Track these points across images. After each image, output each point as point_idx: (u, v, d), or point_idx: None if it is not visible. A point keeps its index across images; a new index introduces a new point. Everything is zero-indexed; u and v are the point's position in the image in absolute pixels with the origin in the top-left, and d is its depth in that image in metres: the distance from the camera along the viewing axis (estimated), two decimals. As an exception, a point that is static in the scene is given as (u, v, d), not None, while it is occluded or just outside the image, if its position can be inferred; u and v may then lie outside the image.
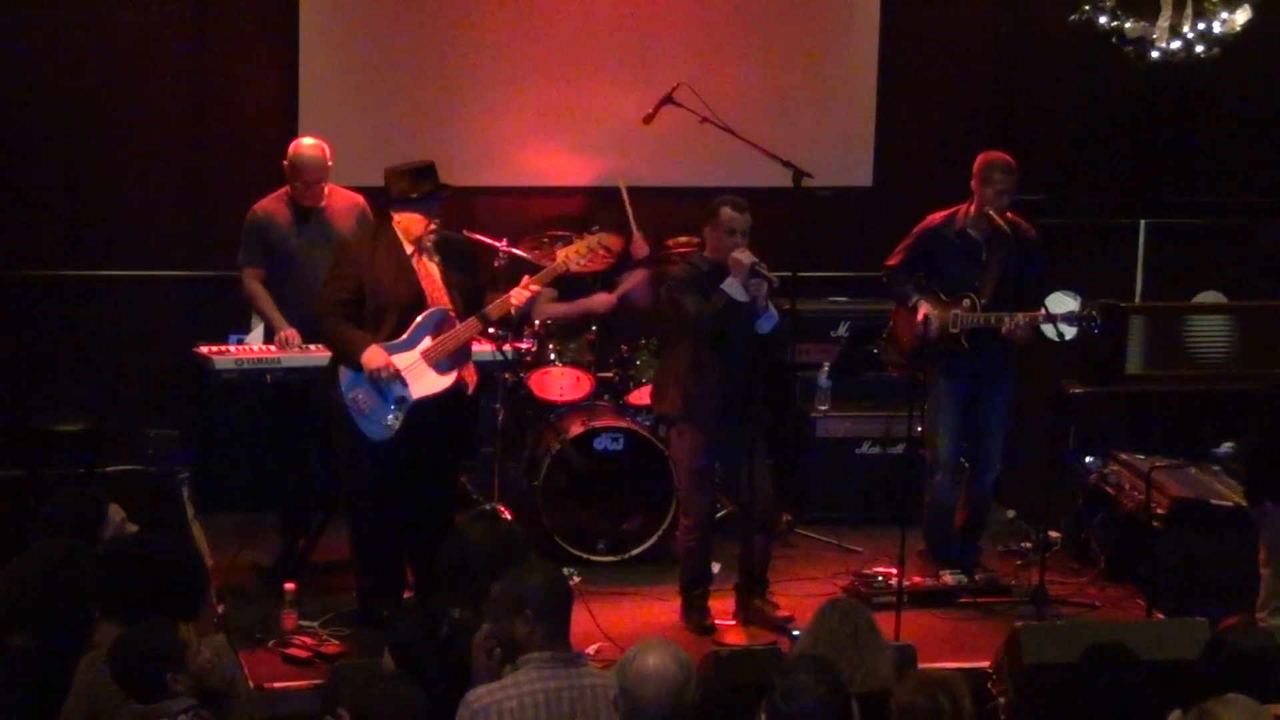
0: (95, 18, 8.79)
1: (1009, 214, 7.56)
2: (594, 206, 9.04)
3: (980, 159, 7.60)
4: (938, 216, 7.67)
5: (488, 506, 8.14)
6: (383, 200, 6.97)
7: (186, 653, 4.72)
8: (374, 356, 6.70)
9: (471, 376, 7.05)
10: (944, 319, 7.48)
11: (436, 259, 6.89)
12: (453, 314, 6.84)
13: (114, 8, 8.82)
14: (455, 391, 6.88)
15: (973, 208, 7.56)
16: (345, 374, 6.80)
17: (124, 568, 5.07)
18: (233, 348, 7.57)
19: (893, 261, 7.70)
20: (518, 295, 6.91)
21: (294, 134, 8.12)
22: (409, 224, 6.84)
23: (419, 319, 6.79)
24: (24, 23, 8.74)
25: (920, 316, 7.50)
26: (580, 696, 4.65)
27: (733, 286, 6.95)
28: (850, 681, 4.85)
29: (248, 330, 8.13)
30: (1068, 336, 7.53)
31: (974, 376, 7.61)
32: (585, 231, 7.61)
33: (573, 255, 7.14)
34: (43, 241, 8.89)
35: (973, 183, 7.56)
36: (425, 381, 6.78)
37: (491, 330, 7.25)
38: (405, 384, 6.75)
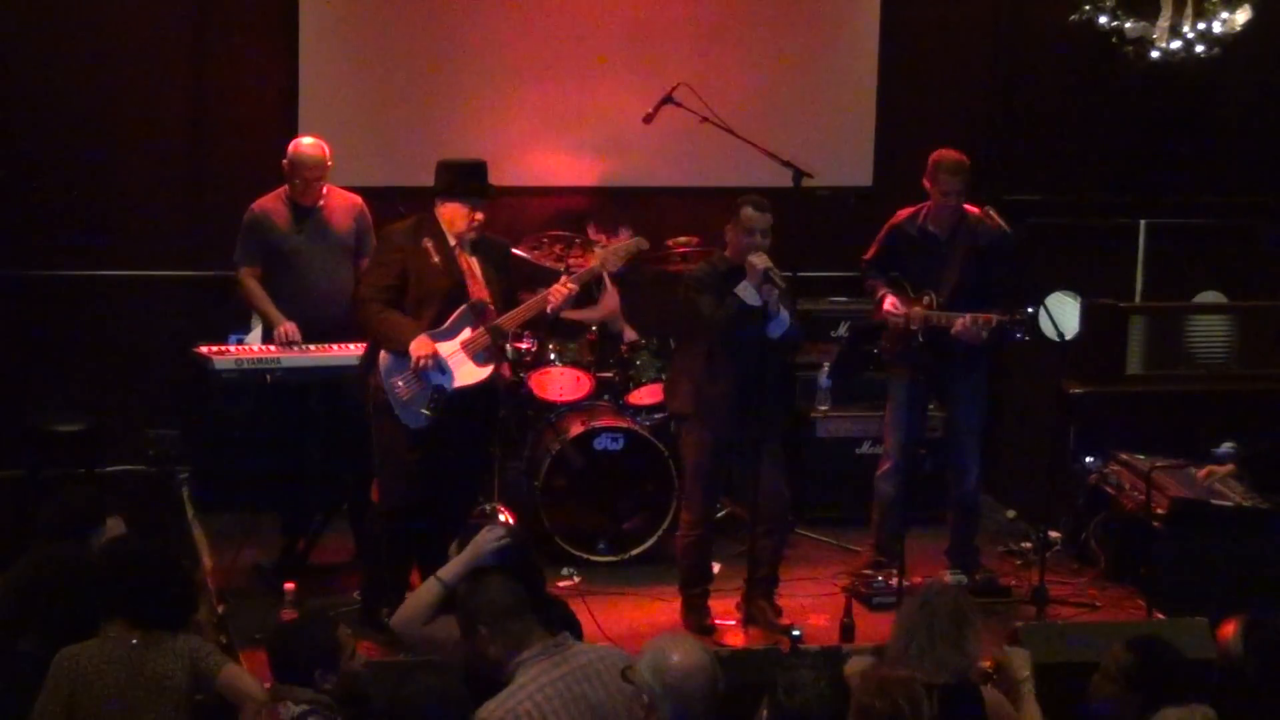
0: (95, 18, 8.78)
1: (976, 208, 7.57)
2: (594, 206, 9.03)
3: (931, 158, 7.62)
4: (905, 212, 7.71)
5: (487, 507, 8.15)
6: (430, 191, 6.96)
7: (341, 654, 4.78)
8: (422, 345, 6.73)
9: (506, 371, 7.11)
10: (907, 315, 7.51)
11: (476, 255, 6.92)
12: (492, 306, 6.87)
13: (114, 8, 8.83)
14: (490, 385, 6.91)
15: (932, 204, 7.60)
16: (385, 360, 6.82)
17: (113, 571, 5.07)
18: (233, 348, 7.57)
19: (867, 255, 7.77)
20: (556, 294, 6.92)
21: (294, 134, 8.12)
22: (453, 216, 6.85)
23: (460, 310, 6.83)
24: (24, 23, 8.74)
25: (887, 307, 7.54)
26: (586, 676, 4.74)
27: (745, 290, 6.95)
28: (944, 665, 4.87)
29: (248, 330, 8.13)
30: (1069, 335, 7.53)
31: (935, 375, 7.60)
32: (622, 233, 7.63)
33: (610, 257, 7.18)
34: (43, 241, 8.89)
35: (924, 180, 7.58)
36: (464, 372, 6.82)
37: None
38: (445, 373, 6.79)
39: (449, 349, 6.81)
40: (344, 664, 4.78)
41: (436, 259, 6.84)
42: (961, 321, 7.34)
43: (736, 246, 7.05)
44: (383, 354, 6.86)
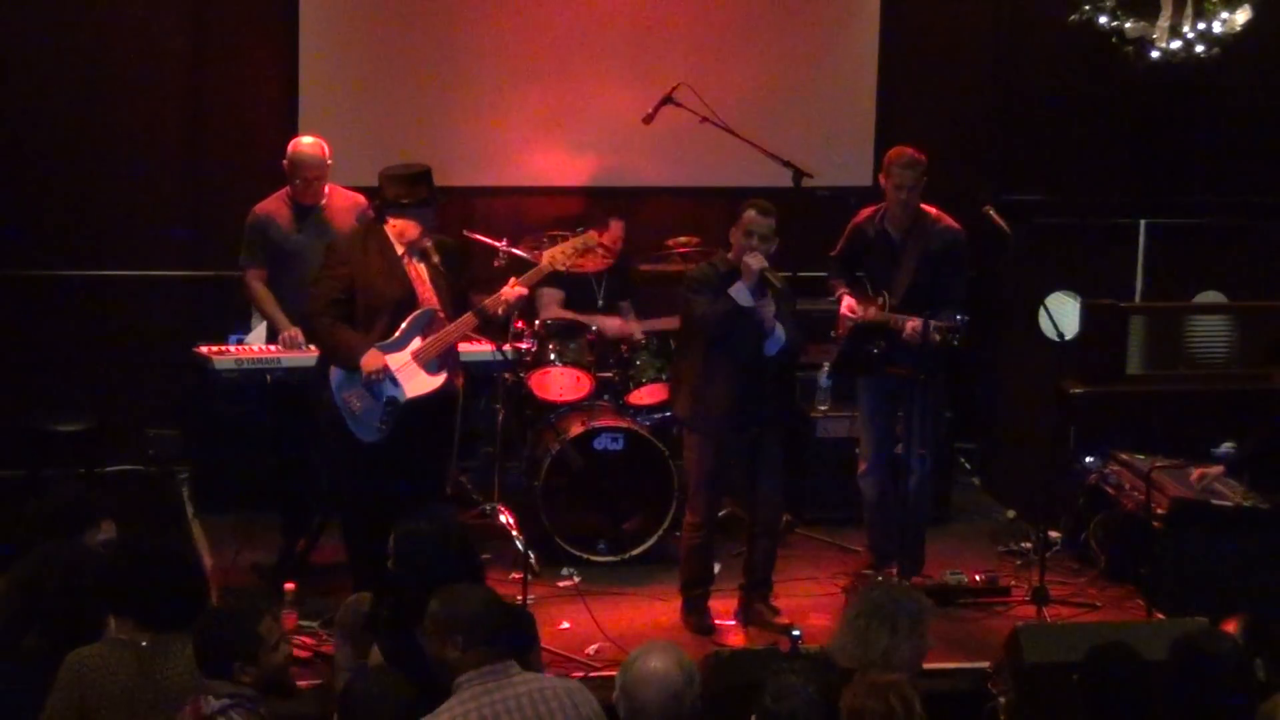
0: (95, 18, 8.79)
1: (933, 209, 7.54)
2: (594, 207, 9.03)
3: (887, 155, 7.60)
4: (866, 211, 7.69)
5: (487, 508, 8.15)
6: (377, 203, 6.91)
7: (261, 649, 4.72)
8: (372, 360, 6.67)
9: (459, 378, 7.04)
10: (865, 316, 7.48)
11: (424, 260, 6.86)
12: (441, 314, 6.82)
13: (114, 8, 8.83)
14: (443, 393, 6.86)
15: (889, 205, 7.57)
16: (336, 375, 6.76)
17: (123, 570, 5.07)
18: (233, 348, 7.57)
19: (834, 252, 7.76)
20: (507, 294, 6.88)
21: (294, 134, 8.12)
22: (403, 228, 6.79)
23: (409, 319, 6.75)
24: (24, 23, 8.74)
25: (844, 310, 7.54)
26: (519, 705, 4.67)
27: (740, 291, 6.95)
28: (869, 664, 4.86)
29: (248, 330, 8.13)
30: (1069, 335, 7.51)
31: (899, 381, 7.53)
32: (572, 231, 7.62)
33: (559, 255, 7.08)
34: (43, 241, 8.89)
35: (880, 177, 7.57)
36: (416, 382, 6.75)
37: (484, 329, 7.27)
38: (397, 385, 6.74)
39: (400, 360, 6.73)
40: (265, 657, 4.70)
41: (385, 269, 6.77)
42: (911, 325, 7.29)
43: (737, 248, 7.06)
44: (333, 369, 6.79)
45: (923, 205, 7.56)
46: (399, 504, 6.68)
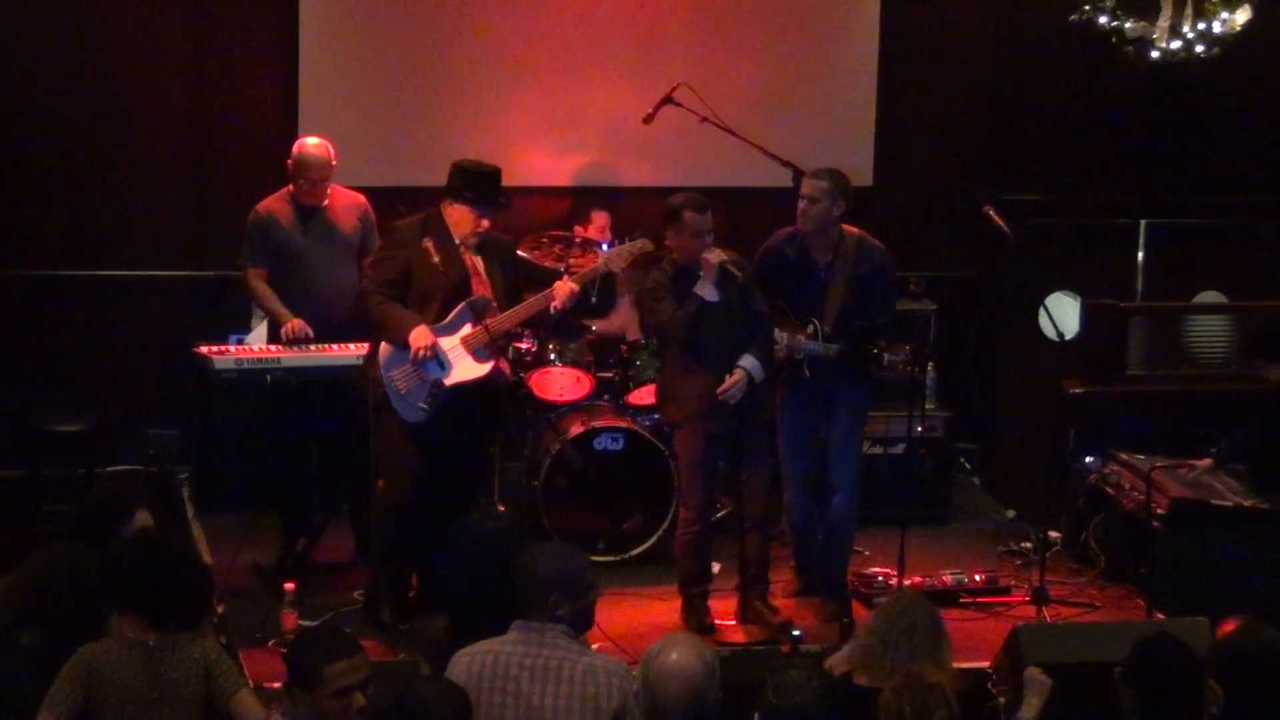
0: (95, 18, 8.79)
1: (855, 230, 7.37)
2: (590, 207, 9.01)
3: None
4: (781, 233, 7.42)
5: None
6: (441, 189, 6.99)
7: (319, 688, 4.67)
8: (421, 335, 6.78)
9: (506, 366, 7.17)
10: (792, 345, 7.27)
11: (481, 254, 6.98)
12: (494, 304, 6.93)
13: (114, 8, 8.83)
14: (491, 382, 6.96)
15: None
16: (385, 353, 6.87)
17: (128, 567, 5.07)
18: (233, 348, 7.57)
19: None
20: (559, 291, 7.00)
21: (294, 134, 8.14)
22: (459, 218, 6.91)
23: (461, 305, 6.88)
24: (24, 23, 8.74)
25: None
26: (545, 663, 4.77)
27: (705, 288, 6.98)
28: (888, 675, 4.86)
29: (248, 330, 8.13)
30: (1069, 335, 7.49)
31: (822, 397, 7.39)
32: (627, 236, 7.68)
33: (613, 257, 7.26)
34: (43, 241, 8.89)
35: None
36: (463, 367, 6.87)
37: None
38: (444, 366, 6.83)
39: (449, 344, 6.86)
40: (320, 698, 4.67)
41: (439, 256, 6.89)
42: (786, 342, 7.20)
43: (685, 250, 7.03)
44: (383, 347, 6.90)
45: (845, 227, 7.34)
46: (440, 494, 6.84)
